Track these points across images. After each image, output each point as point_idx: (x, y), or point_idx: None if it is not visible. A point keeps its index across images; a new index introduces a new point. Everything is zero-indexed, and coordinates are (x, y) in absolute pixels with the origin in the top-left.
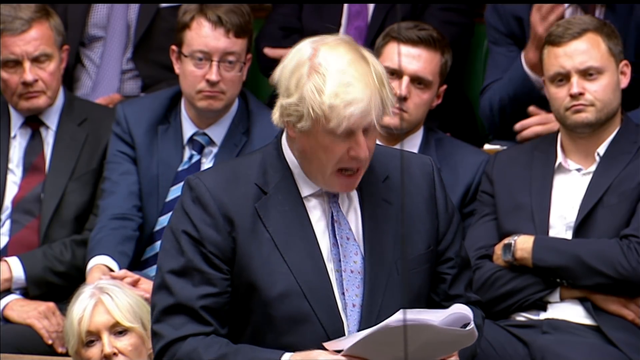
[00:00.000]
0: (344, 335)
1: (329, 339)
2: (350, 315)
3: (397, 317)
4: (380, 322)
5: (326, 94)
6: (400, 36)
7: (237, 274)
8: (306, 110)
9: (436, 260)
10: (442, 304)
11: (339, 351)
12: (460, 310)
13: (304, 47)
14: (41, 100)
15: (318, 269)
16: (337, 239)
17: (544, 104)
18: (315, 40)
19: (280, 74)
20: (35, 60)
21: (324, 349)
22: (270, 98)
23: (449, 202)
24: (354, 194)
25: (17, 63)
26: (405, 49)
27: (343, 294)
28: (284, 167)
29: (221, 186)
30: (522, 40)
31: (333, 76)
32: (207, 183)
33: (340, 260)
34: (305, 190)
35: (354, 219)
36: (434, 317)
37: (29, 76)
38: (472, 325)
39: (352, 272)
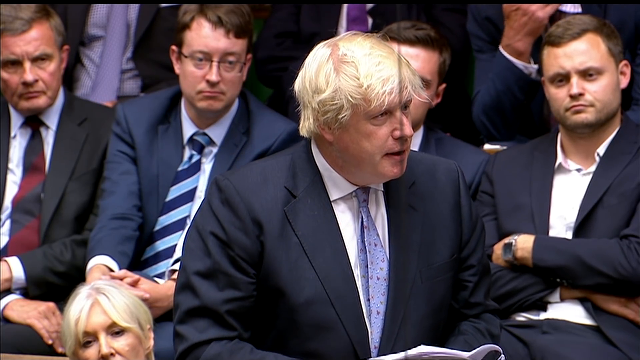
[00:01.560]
0: (368, 343)
1: (352, 347)
2: (374, 322)
3: (418, 350)
4: (402, 331)
5: (361, 77)
6: (398, 36)
7: (264, 279)
8: (345, 100)
9: (459, 267)
10: (462, 311)
11: None
12: (485, 345)
13: (320, 50)
14: (41, 100)
15: (345, 276)
16: (366, 244)
17: (537, 90)
18: (328, 42)
19: (301, 82)
20: (36, 60)
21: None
22: (270, 99)
23: (473, 208)
24: (381, 199)
25: (17, 63)
26: (403, 49)
27: (368, 300)
28: (314, 170)
29: (251, 189)
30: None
31: (362, 60)
32: (237, 185)
33: (367, 266)
34: (334, 194)
35: (381, 225)
36: (461, 353)
37: (29, 76)
38: (502, 358)
39: (378, 279)
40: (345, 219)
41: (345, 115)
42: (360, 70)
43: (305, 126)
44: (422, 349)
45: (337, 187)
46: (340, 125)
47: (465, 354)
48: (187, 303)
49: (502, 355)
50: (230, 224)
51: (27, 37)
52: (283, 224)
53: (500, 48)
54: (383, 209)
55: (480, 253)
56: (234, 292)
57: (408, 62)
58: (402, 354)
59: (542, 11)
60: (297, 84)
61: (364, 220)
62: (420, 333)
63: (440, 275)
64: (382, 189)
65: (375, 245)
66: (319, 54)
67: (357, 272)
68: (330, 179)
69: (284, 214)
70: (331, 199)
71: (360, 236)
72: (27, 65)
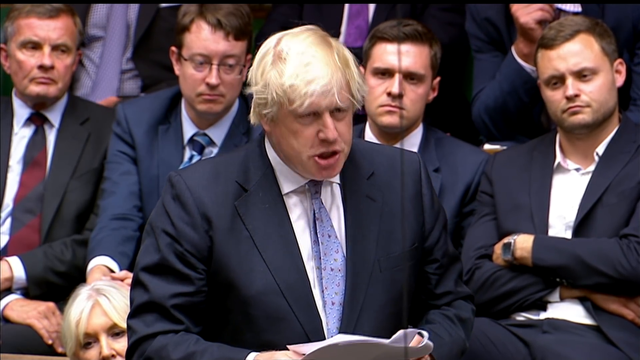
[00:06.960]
0: (322, 333)
1: (307, 337)
2: (329, 312)
3: (340, 338)
4: (361, 320)
5: (286, 75)
6: (386, 35)
7: (215, 273)
8: (270, 96)
9: (423, 258)
10: (430, 303)
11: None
12: (406, 330)
13: (270, 39)
14: (52, 89)
15: (296, 267)
16: (318, 236)
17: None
18: (278, 34)
19: (250, 70)
20: (55, 49)
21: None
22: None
23: (435, 199)
24: (337, 191)
25: (37, 47)
26: (393, 47)
27: (322, 291)
28: (265, 164)
29: (202, 184)
30: (501, 43)
31: (293, 59)
32: (188, 181)
33: (320, 258)
34: (286, 187)
35: (337, 216)
36: (381, 340)
37: (47, 60)
38: (425, 340)
39: (332, 270)
40: (297, 212)
41: (271, 111)
42: (288, 68)
43: (252, 115)
44: (340, 337)
45: (288, 180)
46: (270, 119)
47: (386, 340)
48: (138, 298)
49: (426, 337)
50: (179, 219)
51: (53, 24)
52: (233, 218)
53: (512, 49)
54: (339, 201)
55: (444, 245)
56: (182, 287)
57: (351, 66)
58: (322, 343)
59: (526, 16)
60: (249, 74)
61: (316, 212)
62: (380, 321)
63: (400, 264)
64: (338, 182)
65: (329, 236)
66: (267, 44)
67: (310, 264)
68: (281, 173)
69: (234, 209)
70: (283, 192)
71: (313, 228)
72: (47, 49)
